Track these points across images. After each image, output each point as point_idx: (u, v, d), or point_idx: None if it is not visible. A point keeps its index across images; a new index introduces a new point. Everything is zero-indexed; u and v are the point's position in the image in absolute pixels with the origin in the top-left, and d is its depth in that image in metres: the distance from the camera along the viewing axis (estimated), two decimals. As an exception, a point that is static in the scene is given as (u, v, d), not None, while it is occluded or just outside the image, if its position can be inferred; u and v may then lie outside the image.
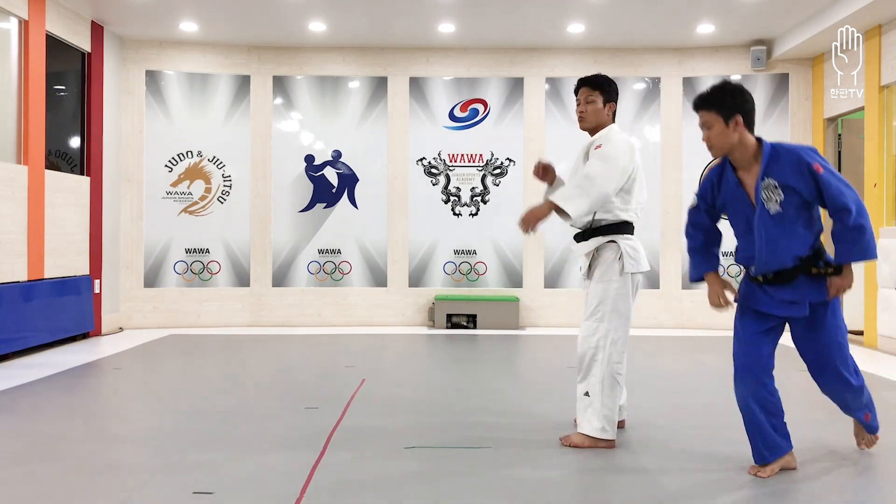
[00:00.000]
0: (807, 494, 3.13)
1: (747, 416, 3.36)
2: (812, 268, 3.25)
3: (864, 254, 3.16)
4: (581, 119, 3.95)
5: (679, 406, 4.77)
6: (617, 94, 3.98)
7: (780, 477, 3.33)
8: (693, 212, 3.50)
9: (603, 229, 3.80)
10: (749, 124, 3.27)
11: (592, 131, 3.94)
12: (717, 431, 4.12)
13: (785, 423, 3.38)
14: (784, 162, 3.17)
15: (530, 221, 3.58)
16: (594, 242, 3.82)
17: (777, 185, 3.16)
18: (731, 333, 3.54)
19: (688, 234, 3.53)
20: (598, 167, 3.65)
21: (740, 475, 3.36)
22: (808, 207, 3.21)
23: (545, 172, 4.05)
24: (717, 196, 3.40)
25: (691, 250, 3.53)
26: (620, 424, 4.09)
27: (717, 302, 3.43)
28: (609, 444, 3.75)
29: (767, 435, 3.32)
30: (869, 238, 3.15)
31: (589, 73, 4.17)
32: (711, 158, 3.63)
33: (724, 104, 3.26)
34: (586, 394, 3.74)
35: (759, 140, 3.28)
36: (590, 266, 3.86)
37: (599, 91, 3.90)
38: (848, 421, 4.64)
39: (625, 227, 3.81)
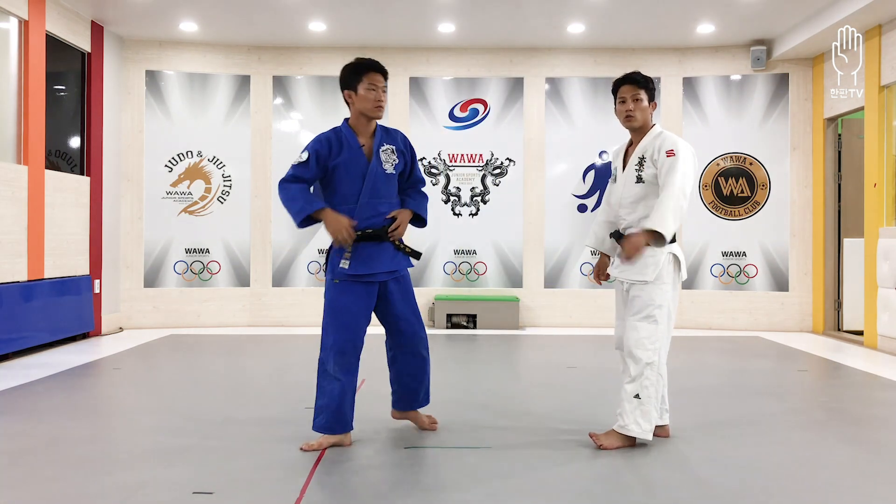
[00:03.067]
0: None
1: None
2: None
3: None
4: (629, 118, 3.87)
5: (683, 406, 4.76)
6: (656, 92, 4.00)
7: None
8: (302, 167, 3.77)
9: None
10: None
11: (638, 130, 3.90)
12: (724, 431, 4.12)
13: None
14: (394, 135, 3.90)
15: (635, 251, 3.68)
16: (652, 249, 3.72)
17: (394, 150, 3.84)
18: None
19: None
20: (680, 187, 3.65)
21: (750, 475, 3.36)
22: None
23: (603, 272, 4.16)
24: (331, 157, 3.77)
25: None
26: (665, 431, 4.01)
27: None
28: (633, 441, 3.77)
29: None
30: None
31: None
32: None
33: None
34: (637, 396, 3.67)
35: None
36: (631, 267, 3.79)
37: (645, 90, 3.87)
38: (844, 422, 4.64)
39: (675, 235, 3.79)
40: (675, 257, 3.78)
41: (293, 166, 3.75)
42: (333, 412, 3.70)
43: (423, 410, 4.16)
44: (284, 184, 3.74)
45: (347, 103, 3.84)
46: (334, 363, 3.69)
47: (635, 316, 3.75)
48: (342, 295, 3.71)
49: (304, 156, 3.73)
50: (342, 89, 3.84)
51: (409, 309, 3.90)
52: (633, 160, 3.86)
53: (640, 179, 3.81)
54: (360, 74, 3.76)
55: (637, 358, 3.70)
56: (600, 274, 4.17)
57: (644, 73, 3.96)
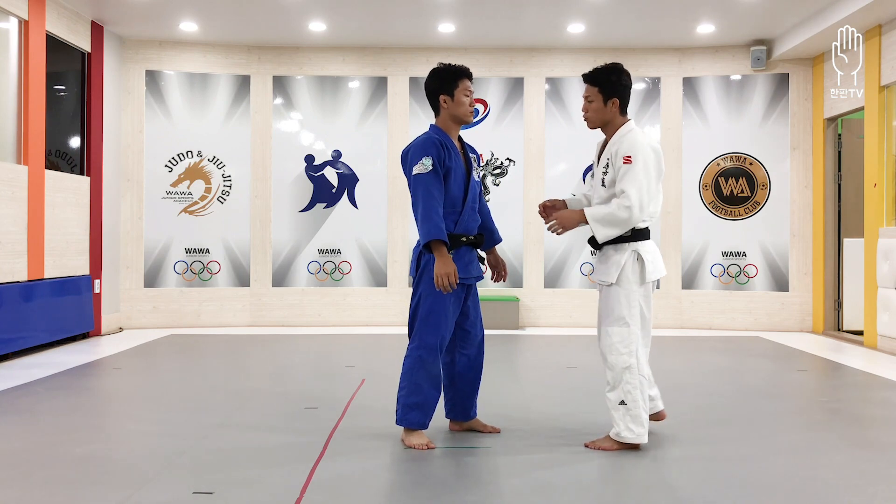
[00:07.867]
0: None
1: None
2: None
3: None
4: (585, 119, 3.87)
5: (682, 405, 4.76)
6: (622, 85, 3.76)
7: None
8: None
9: (625, 237, 3.70)
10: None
11: (603, 129, 3.84)
12: (723, 431, 4.12)
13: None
14: (468, 146, 4.02)
15: (563, 225, 3.76)
16: (615, 249, 3.72)
17: (475, 159, 3.84)
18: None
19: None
20: (634, 197, 3.58)
21: (749, 475, 3.36)
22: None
23: (552, 209, 4.01)
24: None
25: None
26: (661, 416, 3.99)
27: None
28: (637, 446, 3.74)
29: None
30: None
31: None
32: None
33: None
34: (622, 402, 3.64)
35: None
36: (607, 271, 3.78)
37: (598, 87, 3.76)
38: (844, 422, 4.64)
39: (644, 234, 3.73)
40: (640, 256, 3.71)
41: (425, 177, 3.66)
42: (431, 408, 3.77)
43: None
44: (429, 192, 3.65)
45: (438, 108, 3.89)
46: (436, 359, 3.74)
47: (606, 320, 3.73)
48: (444, 295, 3.71)
49: (428, 163, 3.69)
50: (437, 94, 3.88)
51: (477, 312, 4.01)
52: (602, 162, 3.82)
53: (603, 183, 3.79)
54: (457, 80, 3.89)
55: (612, 364, 3.67)
56: (547, 206, 3.98)
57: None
